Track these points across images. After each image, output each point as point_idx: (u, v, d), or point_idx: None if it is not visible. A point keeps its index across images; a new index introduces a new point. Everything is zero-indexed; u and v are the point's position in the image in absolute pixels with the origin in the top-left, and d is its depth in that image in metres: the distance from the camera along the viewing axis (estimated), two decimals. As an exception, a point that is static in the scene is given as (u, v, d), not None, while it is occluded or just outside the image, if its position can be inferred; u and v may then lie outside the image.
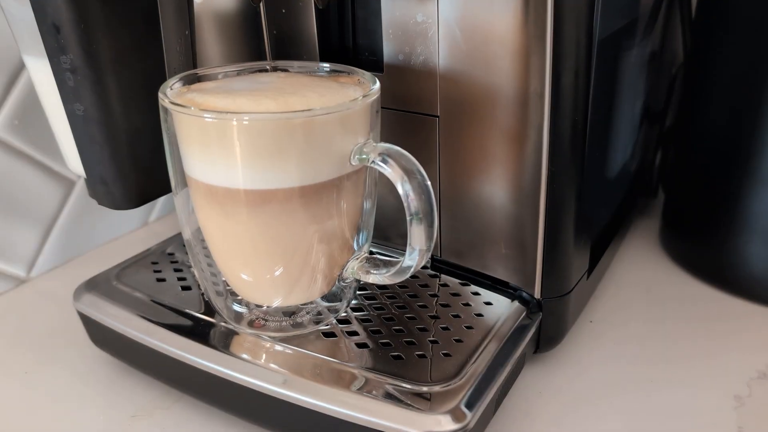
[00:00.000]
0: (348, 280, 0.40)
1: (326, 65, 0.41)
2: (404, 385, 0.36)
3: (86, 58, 0.36)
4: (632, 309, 0.53)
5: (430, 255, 0.36)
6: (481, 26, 0.38)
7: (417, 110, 0.43)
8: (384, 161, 0.34)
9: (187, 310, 0.43)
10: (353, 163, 0.35)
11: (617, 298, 0.54)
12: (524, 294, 0.44)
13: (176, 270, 0.47)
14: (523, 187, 0.41)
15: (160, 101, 0.35)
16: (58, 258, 0.60)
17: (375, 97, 0.36)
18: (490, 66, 0.39)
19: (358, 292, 0.44)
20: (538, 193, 0.40)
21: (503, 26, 0.37)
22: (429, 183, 0.34)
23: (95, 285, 0.46)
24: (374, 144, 0.35)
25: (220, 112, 0.32)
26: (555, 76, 0.37)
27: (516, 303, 0.44)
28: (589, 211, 0.45)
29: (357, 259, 0.39)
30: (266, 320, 0.41)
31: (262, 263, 0.37)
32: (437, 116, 0.43)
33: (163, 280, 0.46)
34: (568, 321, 0.46)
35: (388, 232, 0.49)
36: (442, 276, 0.47)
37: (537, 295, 0.43)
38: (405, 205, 0.34)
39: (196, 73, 0.40)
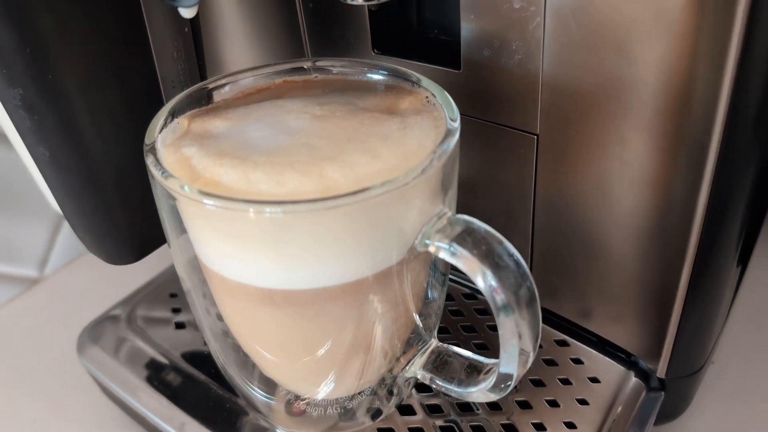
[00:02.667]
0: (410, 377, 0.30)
1: (380, 71, 0.29)
2: None
3: (41, 90, 0.25)
4: (764, 339, 0.42)
5: (534, 356, 0.25)
6: (614, 21, 0.25)
7: (508, 124, 0.31)
8: (454, 251, 0.23)
9: (208, 382, 0.34)
10: (419, 249, 0.25)
11: (744, 324, 0.43)
12: (641, 363, 0.34)
13: (199, 309, 0.38)
14: (658, 248, 0.29)
15: (147, 164, 0.24)
16: (73, 251, 0.52)
17: (453, 146, 0.25)
18: (621, 81, 0.26)
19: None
20: (681, 262, 0.29)
21: (650, 25, 0.24)
22: (526, 268, 0.23)
23: (102, 332, 0.37)
24: (449, 216, 0.24)
25: (226, 199, 0.22)
26: (732, 119, 0.24)
27: (632, 377, 0.33)
28: (743, 255, 0.33)
29: (424, 353, 0.29)
30: (308, 404, 0.32)
31: (296, 365, 0.28)
32: (536, 134, 0.31)
33: (183, 326, 0.37)
34: (695, 392, 0.36)
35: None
36: (531, 323, 0.36)
37: (661, 373, 0.33)
38: (488, 298, 0.23)
39: (206, 87, 0.29)
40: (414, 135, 0.25)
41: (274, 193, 0.22)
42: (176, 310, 0.38)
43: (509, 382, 0.26)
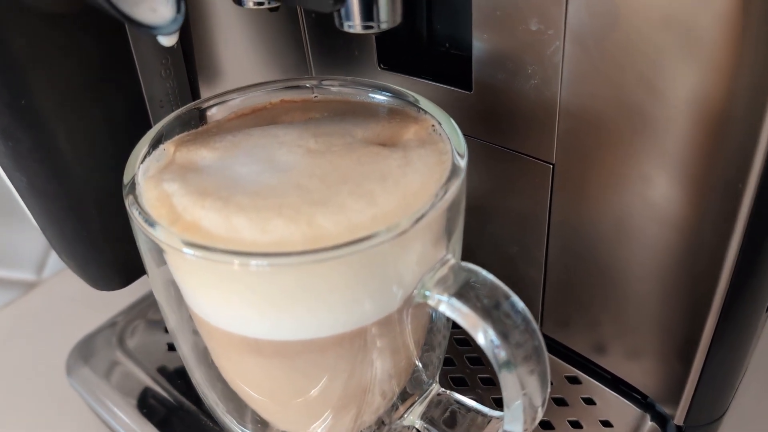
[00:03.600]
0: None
1: (383, 92, 0.27)
2: None
3: (14, 116, 0.23)
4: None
5: (543, 411, 0.23)
6: (639, 50, 0.23)
7: (522, 151, 0.29)
8: (454, 305, 0.21)
9: (196, 412, 0.33)
10: (417, 301, 0.23)
11: (764, 354, 0.41)
12: (657, 406, 0.32)
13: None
14: (681, 290, 0.27)
15: (126, 205, 0.22)
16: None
17: (458, 188, 0.22)
18: (646, 115, 0.24)
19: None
20: (707, 307, 0.27)
21: (681, 57, 0.22)
22: (534, 324, 0.21)
23: (92, 352, 0.36)
24: (451, 264, 0.22)
25: (209, 250, 0.20)
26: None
27: (648, 422, 0.31)
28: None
29: (423, 400, 0.27)
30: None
31: (286, 409, 0.26)
32: (552, 164, 0.28)
33: (173, 348, 0.36)
34: (716, 436, 0.33)
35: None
36: (541, 355, 0.34)
37: (679, 420, 0.31)
38: (489, 355, 0.21)
39: (196, 108, 0.27)
40: (416, 172, 0.22)
41: (256, 241, 0.20)
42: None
43: (514, 441, 0.24)
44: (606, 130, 0.25)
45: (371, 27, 0.22)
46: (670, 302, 0.28)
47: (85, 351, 0.36)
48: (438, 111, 0.26)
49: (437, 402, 0.27)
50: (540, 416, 0.23)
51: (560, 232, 0.30)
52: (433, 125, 0.26)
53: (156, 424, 0.32)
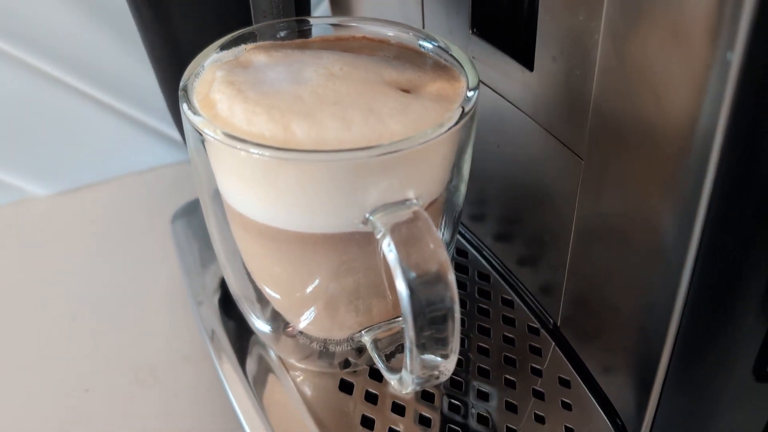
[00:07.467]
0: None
1: (432, 41, 0.30)
2: None
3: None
4: None
5: (445, 379, 0.25)
6: (651, 69, 0.22)
7: (560, 138, 0.29)
8: (389, 247, 0.23)
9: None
10: (365, 227, 0.25)
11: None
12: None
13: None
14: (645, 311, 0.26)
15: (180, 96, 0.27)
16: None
17: (426, 142, 0.24)
18: (654, 129, 0.23)
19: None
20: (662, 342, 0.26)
21: (680, 77, 0.21)
22: (452, 294, 0.23)
23: (193, 212, 0.43)
24: (409, 209, 0.24)
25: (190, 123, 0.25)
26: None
27: (610, 438, 0.30)
28: None
29: (385, 330, 0.30)
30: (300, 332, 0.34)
31: (288, 296, 0.30)
32: (581, 159, 0.28)
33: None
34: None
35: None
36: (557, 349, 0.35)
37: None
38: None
39: (292, 23, 0.31)
40: (406, 118, 0.24)
41: (243, 129, 0.24)
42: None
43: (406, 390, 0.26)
44: (625, 134, 0.25)
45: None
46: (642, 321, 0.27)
47: (190, 209, 0.43)
48: (471, 73, 0.27)
49: (396, 336, 0.30)
50: (443, 380, 0.25)
51: (581, 236, 0.30)
52: (462, 87, 0.27)
53: (219, 301, 0.38)
